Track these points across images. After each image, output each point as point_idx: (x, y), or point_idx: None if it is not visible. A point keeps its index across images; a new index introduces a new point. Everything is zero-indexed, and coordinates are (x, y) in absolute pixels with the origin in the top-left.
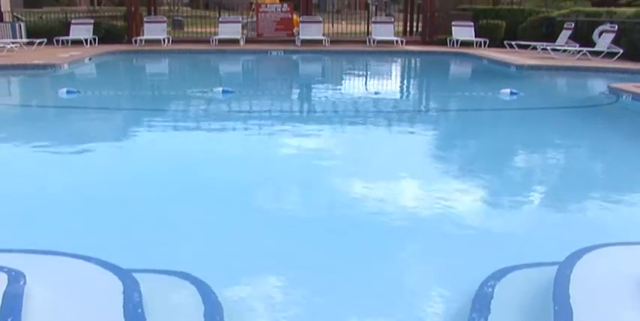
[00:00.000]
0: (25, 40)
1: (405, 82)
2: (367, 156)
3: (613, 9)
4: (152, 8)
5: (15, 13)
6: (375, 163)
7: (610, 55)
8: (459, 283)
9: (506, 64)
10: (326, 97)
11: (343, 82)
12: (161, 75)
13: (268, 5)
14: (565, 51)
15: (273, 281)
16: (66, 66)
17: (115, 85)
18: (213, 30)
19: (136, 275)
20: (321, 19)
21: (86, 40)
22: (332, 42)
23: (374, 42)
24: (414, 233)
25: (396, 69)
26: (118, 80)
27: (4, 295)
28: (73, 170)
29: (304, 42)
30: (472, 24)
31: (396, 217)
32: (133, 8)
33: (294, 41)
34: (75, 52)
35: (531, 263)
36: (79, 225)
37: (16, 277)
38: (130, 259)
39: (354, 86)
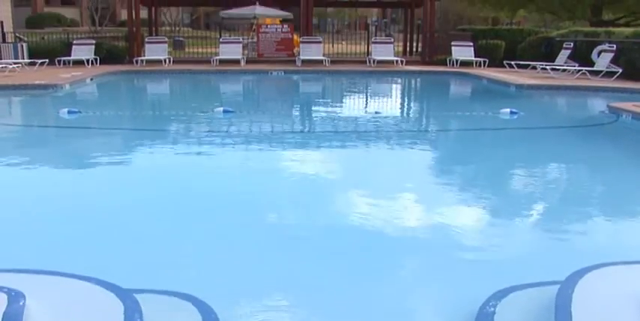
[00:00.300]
0: (26, 60)
1: (406, 101)
2: (368, 176)
3: (611, 29)
4: (153, 29)
5: (17, 34)
6: (376, 183)
7: (609, 74)
8: (460, 303)
9: (506, 84)
10: (327, 117)
11: (344, 102)
12: (162, 95)
13: (269, 26)
14: (564, 70)
15: (274, 302)
16: (67, 86)
17: (116, 105)
18: (214, 50)
19: (137, 296)
20: (321, 40)
21: (88, 61)
22: (332, 62)
23: (374, 62)
24: (415, 252)
25: (396, 89)
26: (119, 100)
27: (3, 315)
28: (73, 190)
29: (305, 62)
30: (472, 44)
31: (396, 236)
32: (134, 29)
33: (294, 61)
34: (76, 72)
35: (533, 283)
36: (80, 245)
37: (15, 297)
38: (130, 279)
39: (354, 106)
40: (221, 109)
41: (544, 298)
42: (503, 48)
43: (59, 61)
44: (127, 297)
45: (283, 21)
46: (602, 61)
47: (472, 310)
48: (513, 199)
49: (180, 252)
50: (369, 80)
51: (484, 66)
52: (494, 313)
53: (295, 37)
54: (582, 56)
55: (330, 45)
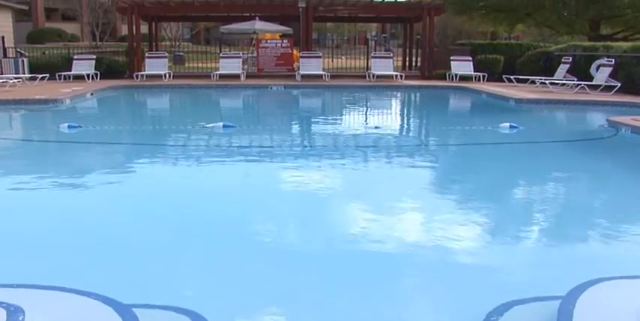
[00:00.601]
0: (27, 75)
1: (405, 116)
2: (368, 191)
3: (610, 43)
4: (153, 44)
5: (18, 49)
6: (376, 198)
7: (608, 88)
8: (462, 317)
9: (505, 98)
10: (326, 131)
11: (343, 116)
12: (162, 110)
13: (269, 41)
14: (563, 85)
15: (273, 317)
16: (68, 101)
17: (116, 119)
18: (214, 65)
19: (136, 311)
20: (320, 54)
21: (88, 76)
22: (332, 77)
23: (373, 77)
24: (415, 267)
25: (395, 104)
26: (120, 115)
27: None
28: (72, 205)
29: (304, 77)
30: (471, 58)
31: (397, 251)
32: (134, 44)
33: (294, 76)
34: (77, 87)
35: (534, 297)
36: (79, 260)
37: (15, 312)
38: (129, 294)
39: (354, 121)
40: (221, 124)
41: (546, 313)
42: (502, 62)
43: (60, 76)
44: (126, 312)
45: (283, 36)
46: (601, 75)
47: None
48: (514, 214)
49: (180, 267)
50: (369, 95)
51: (483, 80)
52: None
53: (295, 52)
54: (581, 70)
55: (330, 60)
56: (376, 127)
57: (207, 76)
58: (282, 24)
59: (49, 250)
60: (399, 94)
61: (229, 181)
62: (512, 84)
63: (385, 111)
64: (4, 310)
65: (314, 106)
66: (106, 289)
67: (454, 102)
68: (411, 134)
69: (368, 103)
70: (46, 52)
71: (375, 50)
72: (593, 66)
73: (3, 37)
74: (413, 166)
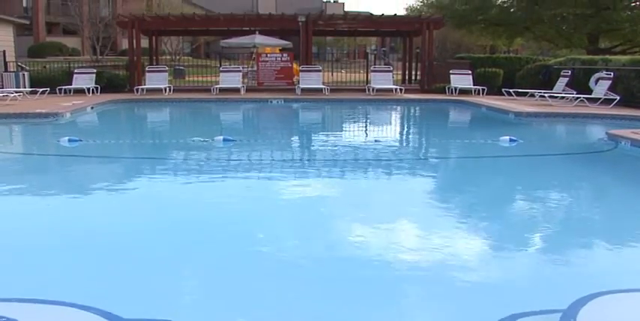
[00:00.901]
0: (28, 89)
1: (405, 129)
2: (368, 204)
3: (608, 57)
4: (154, 58)
5: (19, 63)
6: (375, 211)
7: (607, 101)
8: None
9: (505, 112)
10: (326, 145)
11: (343, 130)
12: (162, 123)
13: (269, 55)
14: (562, 98)
15: None
16: (68, 115)
17: (116, 133)
18: (214, 79)
19: None
20: (320, 68)
21: (88, 89)
22: (332, 90)
23: (373, 90)
24: (416, 281)
25: (395, 117)
26: (120, 129)
27: None
28: (72, 219)
29: (304, 90)
30: (470, 72)
31: (398, 265)
32: (135, 58)
33: (294, 90)
34: (77, 100)
35: (535, 311)
36: (79, 273)
37: None
38: (129, 309)
39: (354, 134)
40: (221, 137)
41: None
42: (501, 76)
43: (60, 90)
44: None
45: (283, 50)
46: (600, 88)
47: None
48: (515, 227)
49: (179, 281)
50: (369, 108)
51: (483, 94)
52: None
53: (295, 65)
54: (580, 84)
55: (330, 73)
56: (376, 141)
57: (208, 90)
58: (282, 38)
59: (49, 264)
60: (398, 108)
61: (229, 194)
62: (511, 97)
63: (385, 124)
64: None
65: (314, 120)
66: (105, 303)
67: (454, 115)
68: (410, 148)
69: (368, 117)
70: (47, 66)
71: (375, 64)
72: (592, 79)
73: (4, 52)
74: (413, 180)
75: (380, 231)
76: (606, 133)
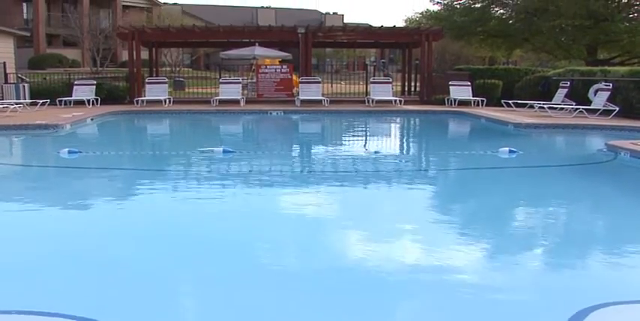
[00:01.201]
0: (28, 100)
1: (405, 141)
2: (367, 216)
3: (607, 68)
4: (154, 69)
5: (19, 74)
6: (375, 223)
7: (606, 112)
8: None
9: (504, 123)
10: (326, 157)
11: (343, 142)
12: (162, 135)
13: (268, 66)
14: (562, 109)
15: None
16: (68, 126)
17: (116, 145)
18: (213, 90)
19: None
20: (320, 80)
21: (88, 101)
22: (331, 102)
23: (373, 102)
24: (416, 293)
25: (395, 128)
26: (120, 140)
27: None
28: (72, 230)
29: (304, 102)
30: (469, 83)
31: (397, 277)
32: (135, 69)
33: (293, 101)
34: (77, 112)
35: None
36: (78, 286)
37: None
38: None
39: (354, 146)
40: (221, 149)
41: None
42: (500, 87)
43: (60, 102)
44: None
45: (282, 61)
46: (599, 99)
47: None
48: (515, 239)
49: (177, 294)
50: (368, 120)
51: (482, 105)
52: None
53: (294, 77)
54: (579, 95)
55: (329, 85)
56: (375, 152)
57: (207, 102)
58: (281, 49)
59: (48, 276)
60: (398, 119)
61: (229, 206)
62: (510, 109)
63: (384, 136)
64: None
65: (313, 132)
66: (105, 315)
67: (453, 127)
68: (410, 159)
69: (367, 129)
70: (47, 77)
71: (374, 75)
72: (591, 90)
73: (5, 63)
74: (413, 192)
75: (380, 243)
76: (605, 144)
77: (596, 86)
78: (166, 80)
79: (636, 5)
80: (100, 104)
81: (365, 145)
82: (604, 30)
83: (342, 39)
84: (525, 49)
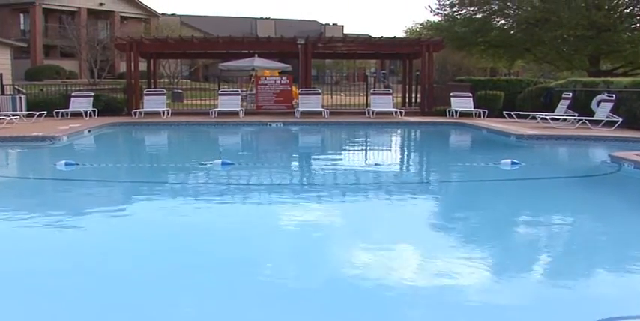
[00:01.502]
0: (25, 112)
1: (406, 153)
2: (368, 229)
3: (610, 78)
4: (152, 81)
5: (16, 86)
6: (376, 236)
7: (609, 124)
8: None
9: (506, 134)
10: (326, 169)
11: (343, 154)
12: (160, 147)
13: (267, 78)
14: (564, 120)
15: None
16: (65, 138)
17: (113, 157)
18: (212, 102)
19: None
20: (320, 91)
21: (86, 113)
22: (331, 113)
23: (373, 113)
24: (415, 306)
25: (395, 140)
26: (117, 153)
27: None
28: (69, 243)
29: (304, 114)
30: (471, 95)
31: (398, 290)
32: (132, 81)
33: (293, 113)
34: (74, 124)
35: None
36: (75, 299)
37: None
38: None
39: (354, 158)
40: (220, 161)
41: None
42: (502, 98)
43: (57, 113)
44: None
45: (282, 73)
46: (602, 110)
47: None
48: (518, 252)
49: (177, 307)
50: (369, 132)
51: (483, 117)
52: None
53: (294, 88)
54: (582, 106)
55: (329, 96)
56: (376, 165)
57: (206, 113)
58: (281, 61)
59: (45, 290)
60: (399, 131)
61: (228, 218)
62: (512, 120)
63: (385, 148)
64: None
65: (313, 144)
66: None
67: (455, 138)
68: (411, 171)
69: (368, 140)
70: (44, 89)
71: (375, 87)
72: (594, 101)
73: (1, 74)
74: (414, 205)
75: (381, 257)
76: (609, 155)
77: (599, 97)
78: (165, 92)
79: (638, 15)
80: (98, 116)
81: (365, 158)
82: (606, 40)
83: (342, 50)
84: (527, 59)
